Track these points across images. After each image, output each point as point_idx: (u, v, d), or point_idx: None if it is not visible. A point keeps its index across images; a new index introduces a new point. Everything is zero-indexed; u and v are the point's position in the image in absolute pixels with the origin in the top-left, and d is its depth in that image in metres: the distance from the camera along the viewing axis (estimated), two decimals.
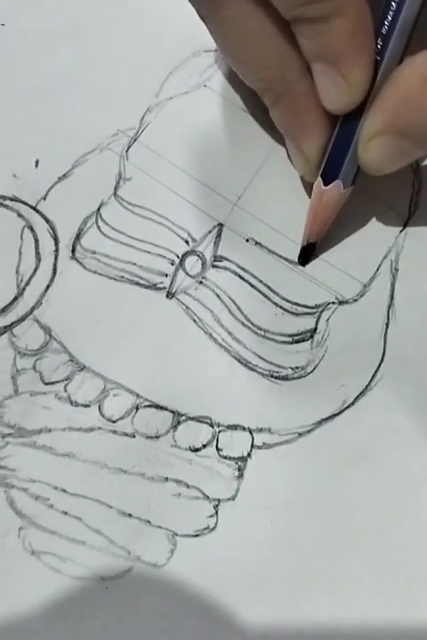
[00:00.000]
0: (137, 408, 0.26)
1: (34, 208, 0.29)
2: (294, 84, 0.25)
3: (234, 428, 0.25)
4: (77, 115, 0.30)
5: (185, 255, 0.28)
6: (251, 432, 0.25)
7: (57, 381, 0.26)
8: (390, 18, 0.24)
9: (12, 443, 0.25)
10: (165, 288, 0.27)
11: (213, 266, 0.28)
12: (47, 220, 0.28)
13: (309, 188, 0.28)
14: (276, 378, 0.26)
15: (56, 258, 0.28)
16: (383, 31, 0.24)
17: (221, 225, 0.28)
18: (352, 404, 0.26)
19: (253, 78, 0.27)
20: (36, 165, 0.29)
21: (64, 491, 0.24)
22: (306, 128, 0.26)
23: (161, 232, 0.28)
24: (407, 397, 0.26)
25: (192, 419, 0.26)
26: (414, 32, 0.24)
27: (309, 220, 0.27)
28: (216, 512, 0.24)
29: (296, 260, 0.28)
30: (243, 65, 0.27)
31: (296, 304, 0.27)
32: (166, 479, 0.25)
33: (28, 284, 0.27)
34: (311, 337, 0.27)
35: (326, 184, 0.26)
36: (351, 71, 0.24)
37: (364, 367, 0.26)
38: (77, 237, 0.28)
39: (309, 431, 0.25)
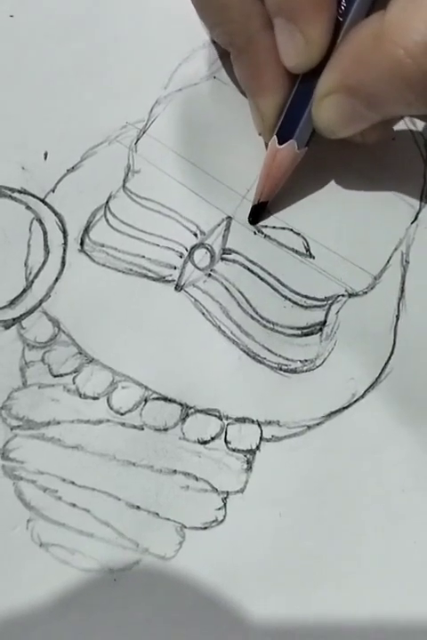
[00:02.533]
0: (145, 400, 0.26)
1: (42, 201, 0.29)
2: (255, 39, 0.26)
3: (243, 420, 0.25)
4: (86, 107, 0.30)
5: (194, 248, 0.28)
6: (259, 425, 0.25)
7: (65, 374, 0.26)
8: None
9: (20, 435, 0.25)
10: (173, 281, 0.27)
11: (222, 258, 0.28)
12: (56, 213, 0.28)
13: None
14: (285, 371, 0.26)
15: (65, 250, 0.28)
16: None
17: (229, 218, 0.28)
18: (362, 397, 0.26)
19: (217, 31, 0.27)
20: (45, 158, 0.29)
21: (72, 483, 0.24)
22: (264, 85, 0.26)
23: (170, 225, 0.28)
24: (417, 390, 0.26)
25: (201, 411, 0.25)
26: None
27: (261, 179, 0.28)
28: (225, 504, 0.24)
29: (306, 252, 0.28)
30: (208, 17, 0.27)
31: (305, 297, 0.27)
32: (175, 471, 0.25)
33: (36, 276, 0.27)
34: (321, 330, 0.27)
35: (280, 143, 0.27)
36: (310, 28, 0.24)
37: (374, 360, 0.26)
38: (86, 230, 0.28)
39: (318, 424, 0.25)
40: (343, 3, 0.24)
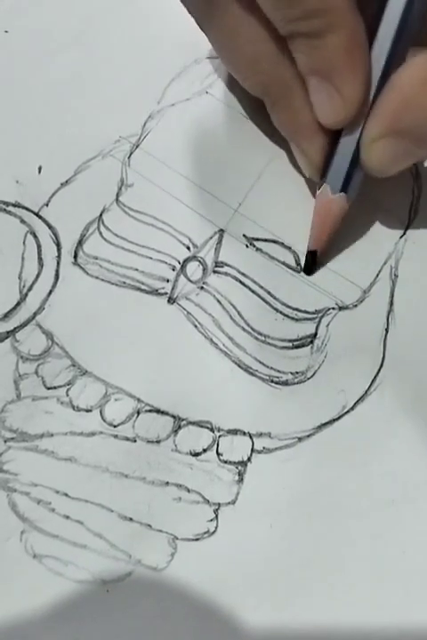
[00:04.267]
0: (138, 413, 0.26)
1: (36, 214, 0.29)
2: (290, 88, 0.26)
3: (234, 432, 0.26)
4: (80, 121, 0.31)
5: (186, 261, 0.28)
6: (251, 437, 0.26)
7: (59, 386, 0.26)
8: (384, 25, 0.23)
9: (14, 447, 0.25)
10: (166, 293, 0.28)
11: (215, 271, 0.28)
12: (50, 226, 0.29)
13: (312, 188, 0.28)
14: (276, 383, 0.26)
15: (58, 263, 0.28)
16: (379, 38, 0.24)
17: (222, 231, 0.29)
18: (352, 409, 0.26)
19: (249, 83, 0.27)
20: (39, 172, 0.30)
21: (66, 495, 0.25)
22: (306, 130, 0.26)
23: (162, 238, 0.28)
24: (407, 403, 0.26)
25: (193, 423, 0.26)
26: (413, 34, 0.24)
27: (315, 229, 0.28)
28: (216, 516, 0.24)
29: (295, 265, 0.28)
30: (239, 70, 0.27)
31: (296, 309, 0.27)
32: (167, 483, 0.25)
33: (30, 289, 0.28)
34: (311, 342, 0.27)
35: (333, 193, 0.27)
36: (346, 86, 0.24)
37: (363, 372, 0.26)
38: (80, 243, 0.28)
39: (308, 436, 0.26)
40: (376, 47, 0.24)
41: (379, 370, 0.26)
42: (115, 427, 0.26)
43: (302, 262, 0.28)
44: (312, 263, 0.28)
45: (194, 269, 0.28)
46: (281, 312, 0.27)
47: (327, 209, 0.27)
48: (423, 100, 0.23)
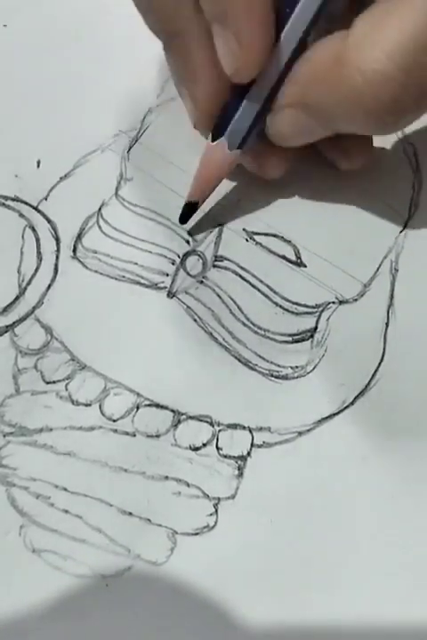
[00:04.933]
0: (137, 407, 0.26)
1: (35, 208, 0.29)
2: (188, 29, 0.25)
3: (234, 427, 0.26)
4: (79, 115, 0.31)
5: (186, 255, 0.28)
6: (251, 431, 0.25)
7: (58, 380, 0.26)
8: None
9: (13, 441, 0.25)
10: (165, 288, 0.28)
11: (214, 266, 0.28)
12: (48, 220, 0.29)
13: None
14: (276, 377, 0.26)
15: (57, 257, 0.28)
16: (300, 7, 0.24)
17: (221, 225, 0.29)
18: (352, 403, 0.26)
19: (150, 18, 0.26)
20: (38, 166, 0.30)
21: (65, 489, 0.25)
22: (196, 73, 0.26)
23: (162, 232, 0.28)
24: (407, 397, 0.26)
25: (192, 418, 0.26)
26: (337, 12, 0.24)
27: (199, 180, 0.27)
28: (216, 511, 0.24)
29: (296, 259, 0.28)
30: (141, 3, 0.26)
31: (296, 303, 0.27)
32: (167, 478, 0.25)
33: (29, 283, 0.28)
34: (311, 336, 0.27)
35: (213, 140, 0.27)
36: (243, 34, 0.23)
37: (363, 367, 0.26)
38: (79, 237, 0.28)
39: (308, 430, 0.25)
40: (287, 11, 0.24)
41: (379, 364, 0.26)
42: (114, 421, 0.25)
43: (300, 254, 0.28)
44: (187, 213, 0.28)
45: (193, 263, 0.28)
46: (281, 306, 0.27)
47: (218, 162, 0.27)
48: (332, 77, 0.23)
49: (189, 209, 0.28)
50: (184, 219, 0.28)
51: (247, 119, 0.26)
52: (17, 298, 0.27)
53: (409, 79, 0.22)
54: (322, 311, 0.27)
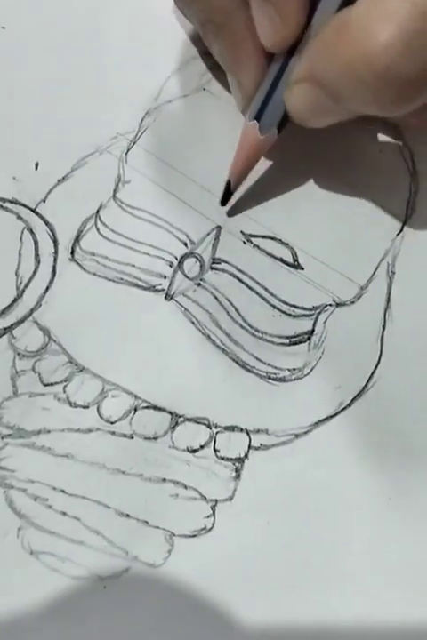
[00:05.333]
0: (135, 409, 0.26)
1: (33, 210, 0.29)
2: (233, 15, 0.26)
3: (231, 429, 0.26)
4: (77, 118, 0.31)
5: (183, 257, 0.28)
6: (248, 433, 0.26)
7: (56, 383, 0.26)
8: None
9: (11, 443, 0.25)
10: (163, 290, 0.28)
11: (212, 268, 0.28)
12: (47, 223, 0.29)
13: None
14: (273, 379, 0.26)
15: (55, 260, 0.28)
16: None
17: (219, 227, 0.29)
18: (349, 405, 0.26)
19: (194, 8, 0.27)
20: (36, 168, 0.30)
21: (63, 491, 0.25)
22: (244, 61, 0.26)
23: (160, 234, 0.28)
24: (403, 399, 0.26)
25: (190, 420, 0.26)
26: None
27: (233, 158, 0.28)
28: (213, 512, 0.24)
29: (293, 261, 0.28)
30: None
31: (294, 306, 0.27)
32: (164, 480, 0.25)
33: (27, 285, 0.28)
34: (308, 339, 0.27)
35: (260, 131, 0.27)
36: (285, 6, 0.24)
37: (360, 369, 0.26)
38: (77, 239, 0.28)
39: (305, 432, 0.26)
40: None
41: (376, 366, 0.27)
42: (112, 423, 0.26)
43: (297, 257, 0.28)
44: (226, 194, 0.28)
45: (191, 266, 0.28)
46: (278, 308, 0.27)
47: (251, 144, 0.27)
48: (334, 50, 0.23)
49: (227, 190, 0.28)
50: (224, 200, 0.28)
51: (278, 100, 0.26)
52: (15, 300, 0.27)
53: (408, 51, 0.21)
54: (319, 313, 0.27)
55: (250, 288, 0.28)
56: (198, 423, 0.26)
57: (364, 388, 0.26)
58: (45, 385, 0.26)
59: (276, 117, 0.26)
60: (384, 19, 0.21)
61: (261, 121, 0.27)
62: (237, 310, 0.27)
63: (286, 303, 0.28)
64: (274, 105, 0.26)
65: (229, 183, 0.28)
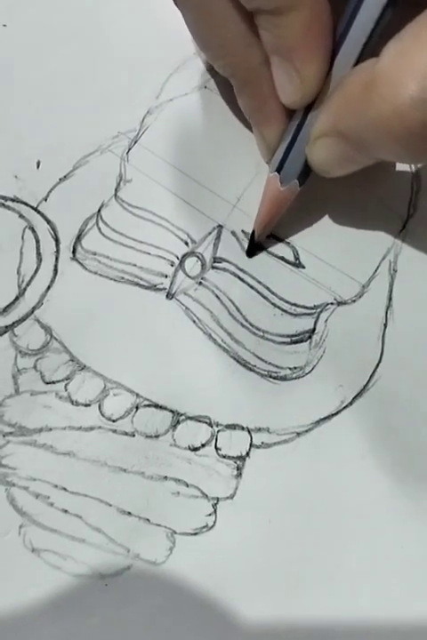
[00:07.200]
0: (137, 407, 0.26)
1: (35, 209, 0.29)
2: (257, 72, 0.26)
3: (233, 427, 0.26)
4: (78, 116, 0.31)
5: (185, 256, 0.28)
6: (249, 432, 0.26)
7: (57, 381, 0.26)
8: (347, 17, 0.23)
9: (12, 441, 0.25)
10: (164, 289, 0.28)
11: (213, 267, 0.28)
12: (48, 221, 0.29)
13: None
14: (274, 378, 0.26)
15: (57, 258, 0.28)
16: (340, 30, 0.24)
17: (220, 226, 0.29)
18: (350, 404, 0.26)
19: (219, 64, 0.27)
20: (38, 166, 0.30)
21: (64, 489, 0.25)
22: (268, 115, 0.27)
23: (161, 233, 0.28)
24: (404, 397, 0.26)
25: (191, 418, 0.26)
26: (375, 37, 0.24)
27: (261, 214, 0.28)
28: (215, 510, 0.24)
29: (294, 260, 0.28)
30: (210, 50, 0.27)
31: (295, 305, 0.27)
32: (165, 478, 0.25)
33: (29, 284, 0.28)
34: (310, 337, 0.27)
35: (281, 181, 0.27)
36: (305, 66, 0.24)
37: (362, 367, 0.26)
38: (78, 238, 0.28)
39: (307, 431, 0.26)
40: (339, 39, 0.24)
41: (377, 365, 0.27)
42: (113, 421, 0.26)
43: (299, 256, 0.28)
44: (251, 246, 0.28)
45: (192, 265, 0.28)
46: (279, 307, 0.27)
47: (273, 196, 0.27)
48: (361, 105, 0.23)
49: (251, 241, 0.28)
50: (250, 252, 0.28)
51: (299, 153, 0.26)
52: (17, 298, 0.27)
53: None
54: (320, 312, 0.27)
55: (251, 287, 0.28)
56: (200, 421, 0.26)
57: (365, 386, 0.26)
58: (47, 383, 0.26)
59: (296, 169, 0.26)
60: (413, 74, 0.21)
61: (282, 173, 0.27)
62: (238, 309, 0.27)
63: (287, 302, 0.28)
64: (294, 157, 0.26)
65: (253, 234, 0.28)
